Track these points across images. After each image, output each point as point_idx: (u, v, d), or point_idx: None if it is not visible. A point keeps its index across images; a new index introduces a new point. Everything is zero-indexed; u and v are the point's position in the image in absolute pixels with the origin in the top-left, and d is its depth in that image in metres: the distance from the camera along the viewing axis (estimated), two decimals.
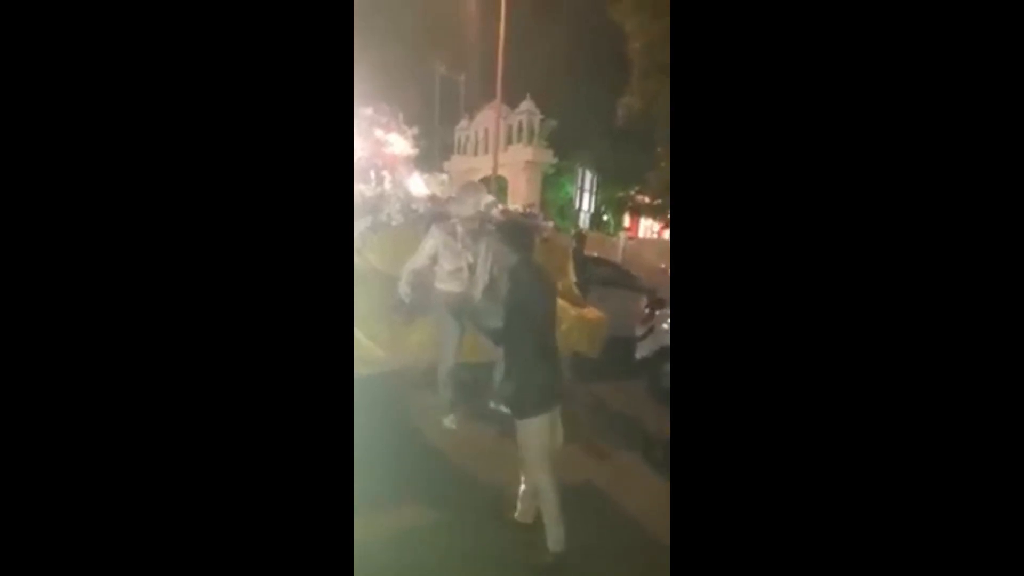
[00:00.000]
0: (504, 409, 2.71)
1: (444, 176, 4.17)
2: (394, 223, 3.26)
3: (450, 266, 2.79)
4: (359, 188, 3.28)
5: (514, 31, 10.91)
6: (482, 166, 13.32)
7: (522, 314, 1.70)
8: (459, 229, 2.79)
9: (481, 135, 15.78)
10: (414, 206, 3.32)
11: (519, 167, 14.60)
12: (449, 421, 2.92)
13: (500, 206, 3.65)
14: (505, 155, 13.51)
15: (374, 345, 2.81)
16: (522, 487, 1.95)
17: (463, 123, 16.54)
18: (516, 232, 1.82)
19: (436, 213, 3.22)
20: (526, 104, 15.65)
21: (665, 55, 11.82)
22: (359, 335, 2.77)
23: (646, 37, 11.92)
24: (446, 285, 2.80)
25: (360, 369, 2.69)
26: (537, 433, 1.75)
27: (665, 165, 13.70)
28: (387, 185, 3.55)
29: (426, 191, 3.57)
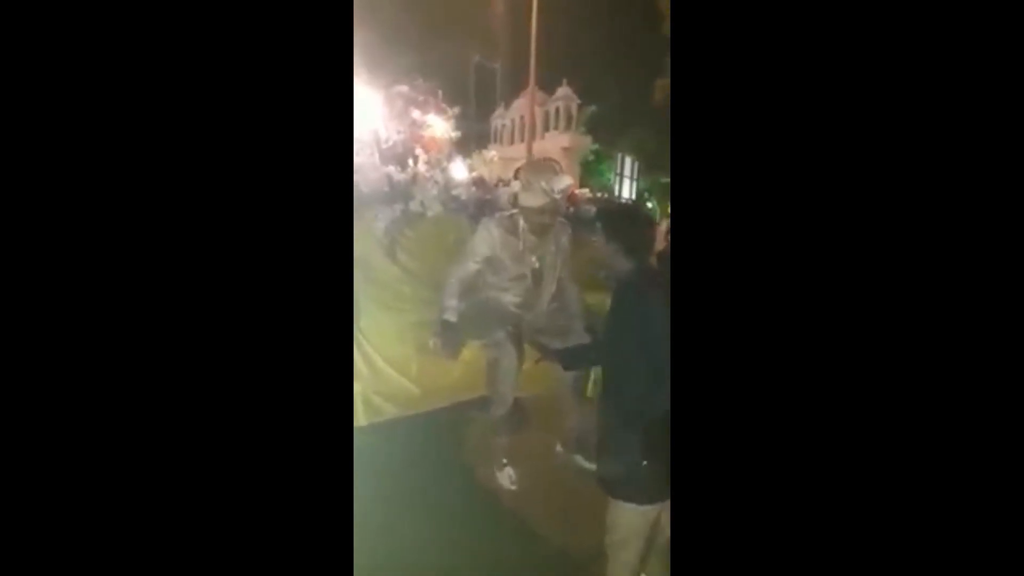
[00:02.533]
0: (586, 464, 2.09)
1: (493, 154, 3.68)
2: (430, 213, 2.73)
3: (510, 272, 2.10)
4: (387, 170, 2.85)
5: (547, 15, 10.54)
6: (519, 155, 12.93)
7: (638, 345, 1.18)
8: (520, 223, 2.05)
9: (517, 123, 15.38)
10: (455, 191, 2.81)
11: (557, 154, 14.16)
12: (506, 477, 2.13)
13: (581, 190, 3.10)
14: (542, 143, 13.11)
15: (407, 380, 2.25)
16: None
17: (499, 111, 16.18)
18: (630, 225, 1.28)
19: (484, 201, 2.79)
20: (563, 90, 15.18)
21: None
22: (385, 366, 2.23)
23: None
24: (503, 297, 2.11)
25: (388, 410, 2.16)
26: (641, 523, 1.25)
27: None
28: (421, 166, 3.10)
29: (469, 174, 3.12)
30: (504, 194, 2.94)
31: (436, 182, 2.82)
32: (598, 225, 1.29)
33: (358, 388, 2.12)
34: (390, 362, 2.23)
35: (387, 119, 3.38)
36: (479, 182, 2.98)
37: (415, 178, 2.94)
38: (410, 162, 3.14)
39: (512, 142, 15.58)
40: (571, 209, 3.08)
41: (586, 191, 3.73)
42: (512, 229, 2.07)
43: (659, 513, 1.26)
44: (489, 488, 2.11)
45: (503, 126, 16.04)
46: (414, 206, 2.75)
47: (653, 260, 1.38)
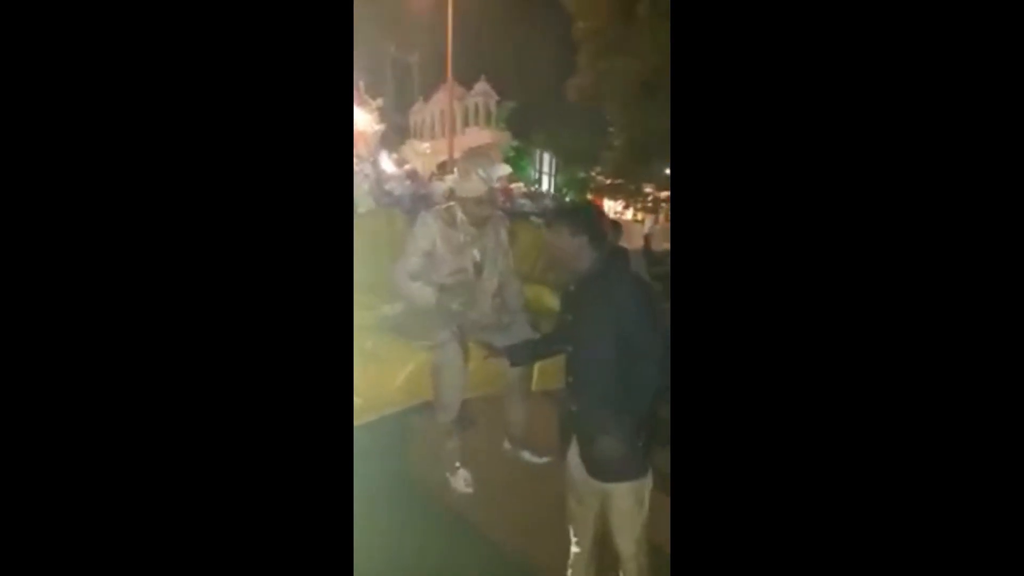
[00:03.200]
0: (535, 459, 2.08)
1: (425, 145, 3.55)
2: (362, 209, 2.64)
3: (450, 266, 2.01)
4: (363, 168, 2.67)
5: (462, 10, 10.48)
6: (439, 149, 12.73)
7: (610, 331, 1.24)
8: (459, 215, 2.00)
9: (437, 117, 15.14)
10: (388, 186, 2.69)
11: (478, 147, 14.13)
12: (460, 480, 2.03)
13: (515, 184, 3.04)
14: (463, 138, 12.94)
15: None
16: (573, 550, 1.45)
17: (417, 106, 15.84)
18: (591, 218, 1.34)
19: (419, 195, 2.68)
20: (481, 86, 15.12)
21: (612, 34, 12.11)
22: None
23: (593, 17, 12.01)
24: (444, 294, 2.00)
25: None
26: (637, 500, 1.32)
27: (618, 144, 13.78)
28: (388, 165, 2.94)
29: (399, 168, 2.99)
30: (439, 187, 2.85)
31: (367, 176, 2.66)
32: (562, 220, 1.33)
33: None
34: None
35: None
36: (412, 175, 2.85)
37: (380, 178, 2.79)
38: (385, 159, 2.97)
39: (432, 137, 15.31)
40: (506, 203, 3.04)
41: (520, 185, 3.71)
42: (451, 221, 2.01)
43: (645, 486, 1.33)
44: (443, 495, 2.02)
45: (422, 121, 15.71)
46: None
47: (612, 249, 1.44)
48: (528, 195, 2.91)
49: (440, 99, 14.63)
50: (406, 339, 2.00)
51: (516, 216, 2.54)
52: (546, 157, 21.91)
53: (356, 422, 2.01)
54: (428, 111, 15.45)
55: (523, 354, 1.71)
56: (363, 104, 3.27)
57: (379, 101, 3.41)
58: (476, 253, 2.06)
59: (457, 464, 2.07)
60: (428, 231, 2.00)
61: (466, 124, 14.98)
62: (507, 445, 2.22)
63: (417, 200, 2.55)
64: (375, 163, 2.84)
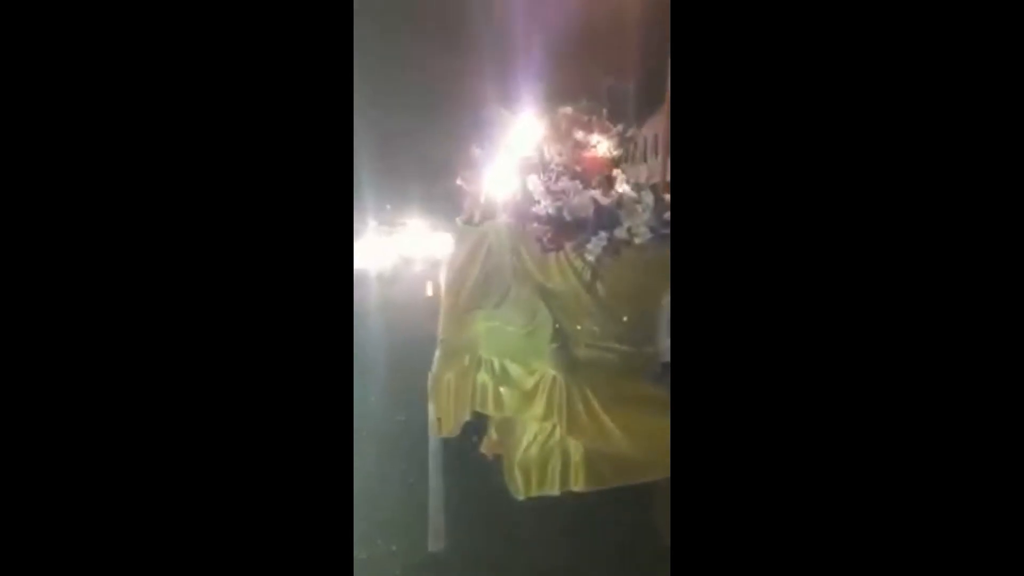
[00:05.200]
0: None
1: (640, 169, 3.45)
2: (638, 240, 2.54)
3: None
4: (592, 194, 2.72)
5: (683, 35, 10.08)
6: (653, 172, 12.46)
7: None
8: None
9: (650, 140, 14.92)
10: (667, 214, 2.58)
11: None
12: None
13: None
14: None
15: (627, 442, 1.90)
16: None
17: (630, 131, 15.87)
18: None
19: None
20: None
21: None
22: (608, 422, 1.93)
23: None
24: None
25: (610, 478, 1.92)
26: None
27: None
28: (623, 187, 2.95)
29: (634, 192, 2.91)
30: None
31: (647, 205, 2.61)
32: None
33: (577, 445, 1.93)
34: (612, 417, 1.97)
35: (549, 140, 3.32)
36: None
37: (620, 201, 2.76)
38: (617, 185, 3.00)
39: (644, 160, 15.13)
40: None
41: None
42: None
43: None
44: None
45: (635, 145, 15.68)
46: (620, 233, 2.56)
47: None
48: None
49: (655, 123, 14.43)
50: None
51: None
52: None
53: (631, 481, 1.97)
54: (641, 135, 15.34)
55: None
56: (604, 131, 3.30)
57: (619, 127, 3.40)
58: None
59: None
60: None
61: None
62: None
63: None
64: (653, 189, 2.79)
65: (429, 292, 10.41)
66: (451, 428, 2.34)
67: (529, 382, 2.11)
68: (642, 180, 2.97)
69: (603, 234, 2.60)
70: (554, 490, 1.98)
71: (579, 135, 3.26)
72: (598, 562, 2.05)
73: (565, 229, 2.68)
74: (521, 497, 2.01)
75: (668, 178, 3.20)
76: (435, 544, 2.36)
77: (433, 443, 3.26)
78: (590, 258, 2.59)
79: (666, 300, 1.99)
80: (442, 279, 3.17)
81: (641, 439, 1.89)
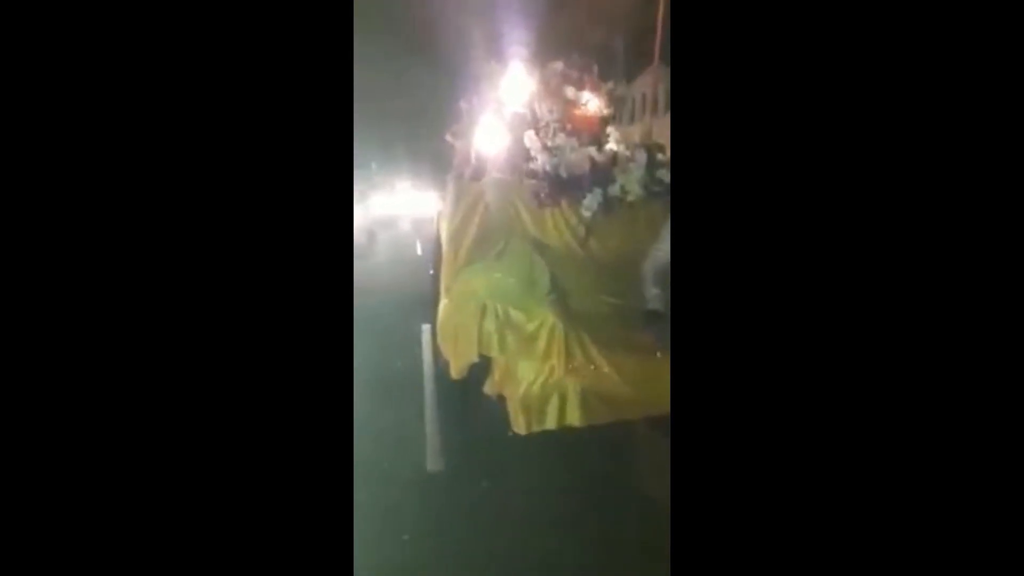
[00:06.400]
0: None
1: (632, 129, 3.52)
2: (630, 198, 2.69)
3: None
4: (588, 151, 2.81)
5: None
6: (645, 131, 12.37)
7: None
8: None
9: (638, 100, 14.74)
10: (660, 173, 2.69)
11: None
12: None
13: None
14: (663, 120, 12.40)
15: (622, 380, 2.10)
16: None
17: (620, 90, 15.60)
18: None
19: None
20: None
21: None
22: (603, 362, 2.12)
23: None
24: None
25: (603, 413, 2.09)
26: None
27: None
28: (616, 146, 3.04)
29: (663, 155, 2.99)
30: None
31: (638, 163, 2.73)
32: None
33: (574, 384, 2.10)
34: (606, 359, 2.15)
35: (540, 97, 3.35)
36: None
37: (615, 159, 2.85)
38: (610, 142, 3.09)
39: (632, 121, 15.00)
40: None
41: None
42: None
43: None
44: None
45: (624, 105, 15.47)
46: (614, 191, 2.69)
47: None
48: None
49: (644, 81, 14.19)
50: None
51: None
52: None
53: (627, 416, 2.19)
54: (630, 95, 15.12)
55: None
56: (595, 88, 3.34)
57: (610, 84, 3.44)
58: None
59: None
60: None
61: (668, 107, 14.34)
62: None
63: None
64: (648, 148, 2.90)
65: (419, 251, 10.47)
66: (460, 369, 2.47)
67: (530, 327, 2.25)
68: (636, 139, 3.05)
69: (598, 191, 2.73)
70: (552, 425, 2.14)
71: (570, 92, 3.31)
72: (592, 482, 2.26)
73: (561, 185, 2.79)
74: (523, 432, 2.15)
75: (659, 138, 3.28)
76: (434, 464, 2.59)
77: (428, 382, 3.54)
78: (587, 214, 2.74)
79: (654, 254, 2.10)
80: (443, 232, 3.28)
81: (632, 379, 2.10)
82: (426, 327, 4.61)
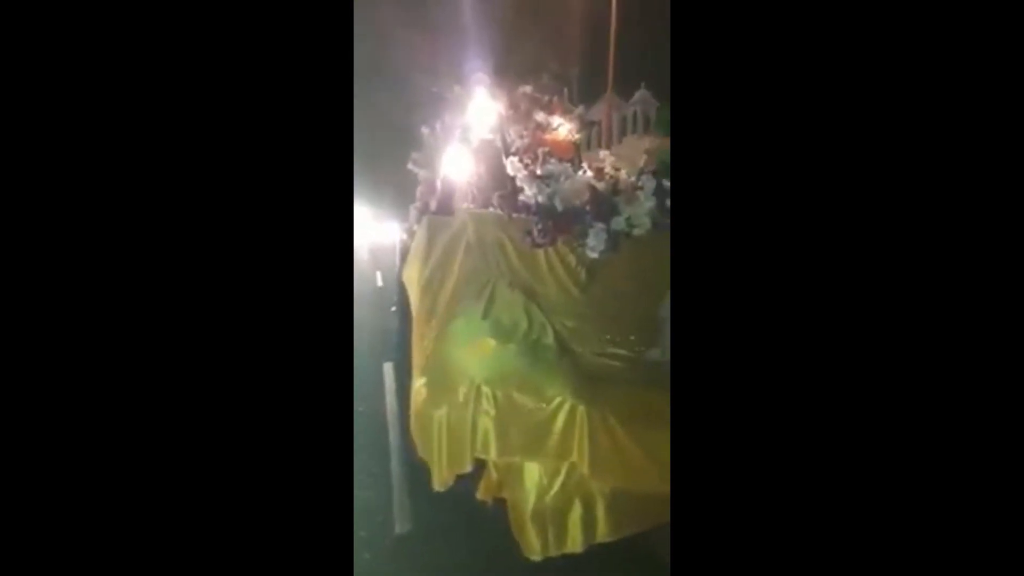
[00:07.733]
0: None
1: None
2: (638, 231, 2.30)
3: None
4: (586, 179, 2.55)
5: (626, 21, 10.17)
6: (642, 156, 12.63)
7: None
8: None
9: (594, 131, 15.11)
10: (669, 202, 2.24)
11: (639, 158, 13.84)
12: None
13: None
14: (620, 148, 12.69)
15: (657, 478, 1.47)
16: None
17: (592, 114, 16.05)
18: None
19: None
20: (640, 93, 14.76)
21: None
22: (632, 446, 1.59)
23: None
24: None
25: (628, 526, 1.62)
26: None
27: None
28: (616, 171, 2.83)
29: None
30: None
31: (648, 193, 2.34)
32: None
33: (601, 486, 1.61)
34: (637, 443, 1.60)
35: (510, 121, 3.20)
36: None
37: (617, 187, 2.46)
38: (607, 169, 2.77)
39: (588, 148, 15.31)
40: None
41: None
42: None
43: None
44: None
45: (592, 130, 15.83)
46: (617, 224, 2.30)
47: None
48: None
49: (597, 111, 14.56)
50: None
51: None
52: None
53: (658, 524, 1.71)
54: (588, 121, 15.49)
55: None
56: (565, 112, 3.22)
57: (580, 108, 3.34)
58: None
59: None
60: None
61: (623, 134, 14.74)
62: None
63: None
64: (655, 174, 2.60)
65: (380, 282, 10.09)
66: (446, 481, 1.86)
67: (540, 414, 1.67)
68: (640, 164, 2.75)
69: (600, 226, 2.29)
70: (577, 547, 1.61)
71: (540, 116, 3.17)
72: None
73: (556, 219, 2.33)
74: (538, 559, 1.63)
75: (623, 164, 3.15)
76: (402, 526, 2.21)
77: (393, 435, 3.16)
78: (592, 255, 2.26)
79: (669, 298, 1.77)
80: (412, 275, 2.71)
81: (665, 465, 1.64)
82: (388, 365, 4.31)
